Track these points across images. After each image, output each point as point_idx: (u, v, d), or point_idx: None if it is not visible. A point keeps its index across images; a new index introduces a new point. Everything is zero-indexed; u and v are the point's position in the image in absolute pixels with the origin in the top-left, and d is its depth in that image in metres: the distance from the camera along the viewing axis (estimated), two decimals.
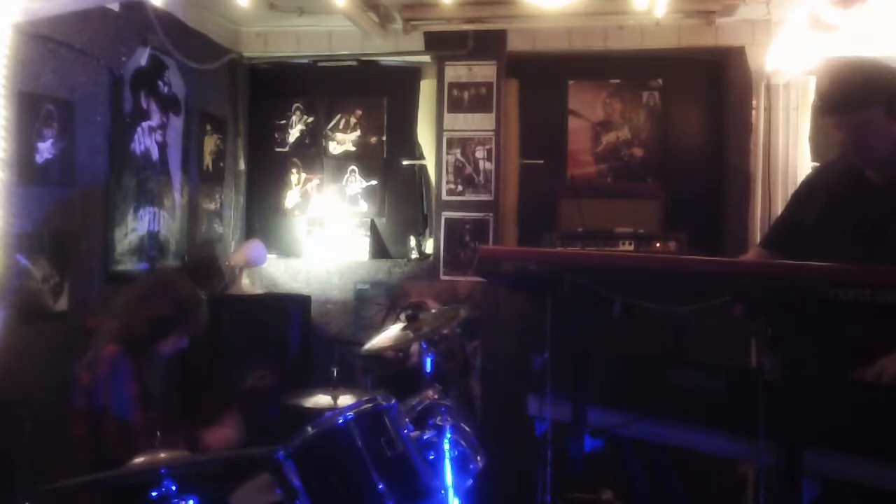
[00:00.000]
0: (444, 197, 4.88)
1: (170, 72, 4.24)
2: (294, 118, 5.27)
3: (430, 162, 5.04)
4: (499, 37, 4.81)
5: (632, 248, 4.27)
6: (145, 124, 4.05)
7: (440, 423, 2.42)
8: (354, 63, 5.16)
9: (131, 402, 2.66)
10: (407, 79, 5.16)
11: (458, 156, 4.86)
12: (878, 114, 2.30)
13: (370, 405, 2.14)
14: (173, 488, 1.95)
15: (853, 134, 2.34)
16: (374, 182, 5.19)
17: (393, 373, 4.49)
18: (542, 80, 5.04)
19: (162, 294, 2.84)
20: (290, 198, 5.27)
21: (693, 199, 4.84)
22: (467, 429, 2.58)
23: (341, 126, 5.23)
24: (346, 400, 3.31)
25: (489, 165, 4.82)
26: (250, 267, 4.87)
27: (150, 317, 2.77)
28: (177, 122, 4.34)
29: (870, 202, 2.39)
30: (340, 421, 2.07)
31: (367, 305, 4.93)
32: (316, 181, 5.24)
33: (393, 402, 2.20)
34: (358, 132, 5.22)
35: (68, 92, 3.44)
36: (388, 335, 3.29)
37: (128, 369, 2.69)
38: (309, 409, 3.33)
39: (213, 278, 4.77)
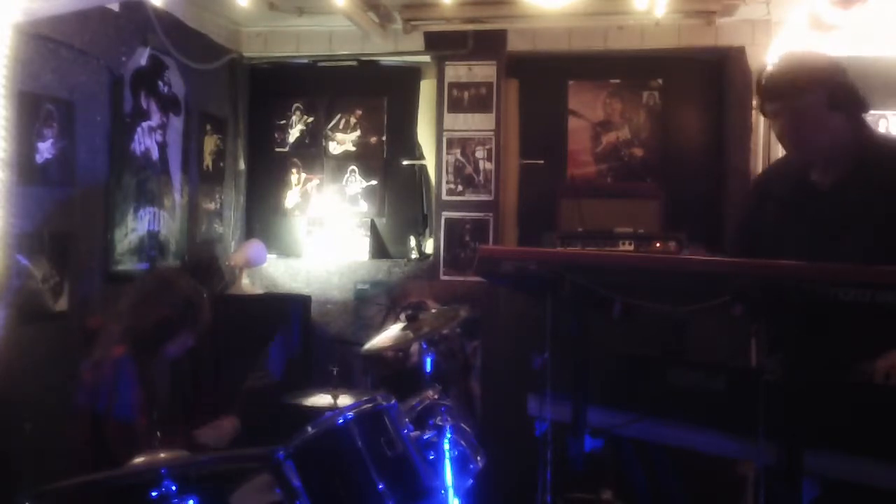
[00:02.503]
0: (444, 197, 4.88)
1: (170, 72, 4.24)
2: (294, 118, 5.27)
3: (430, 162, 5.04)
4: (499, 37, 4.81)
5: (632, 248, 4.26)
6: (145, 124, 4.05)
7: (440, 423, 2.42)
8: (354, 63, 5.15)
9: (135, 406, 2.66)
10: (407, 79, 5.16)
11: (458, 156, 4.86)
12: (817, 102, 2.30)
13: (370, 405, 2.14)
14: (173, 488, 1.94)
15: (791, 122, 2.34)
16: (374, 182, 5.19)
17: (393, 373, 4.49)
18: (542, 80, 5.03)
19: (167, 294, 2.83)
20: (290, 198, 5.27)
21: (693, 199, 4.84)
22: (467, 429, 2.58)
23: (341, 126, 5.23)
24: (346, 400, 3.31)
25: (489, 165, 4.82)
26: (250, 267, 4.87)
27: (156, 318, 2.76)
28: (177, 122, 4.34)
29: (819, 210, 2.36)
30: (340, 421, 2.06)
31: (367, 305, 4.93)
32: (316, 181, 5.24)
33: (393, 402, 2.19)
34: (358, 132, 5.22)
35: (68, 92, 3.44)
36: (388, 335, 3.29)
37: (133, 372, 2.69)
38: (309, 409, 3.34)
39: (213, 278, 4.77)
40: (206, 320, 2.92)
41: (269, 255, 4.99)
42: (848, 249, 2.23)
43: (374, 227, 5.17)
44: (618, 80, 4.98)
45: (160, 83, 4.17)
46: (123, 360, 2.68)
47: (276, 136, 5.28)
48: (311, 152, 5.25)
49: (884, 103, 4.24)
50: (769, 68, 2.39)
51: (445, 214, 4.88)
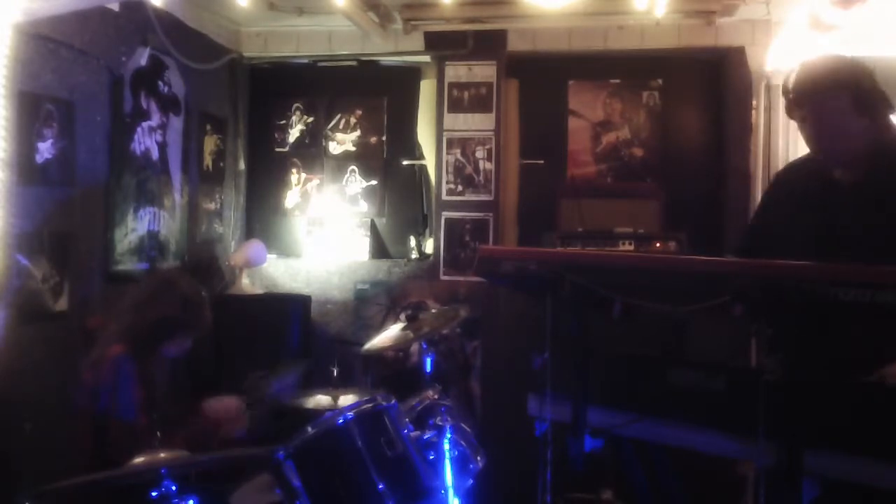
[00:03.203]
0: (444, 197, 4.88)
1: (170, 72, 4.24)
2: (294, 118, 5.27)
3: (430, 162, 5.04)
4: (499, 37, 4.81)
5: (632, 248, 4.26)
6: (145, 124, 4.05)
7: (440, 423, 2.42)
8: (354, 63, 5.16)
9: (134, 405, 2.66)
10: (407, 79, 5.16)
11: (458, 156, 4.86)
12: (844, 104, 2.31)
13: (370, 405, 2.14)
14: (173, 488, 1.94)
15: (817, 126, 2.35)
16: (374, 182, 5.19)
17: (393, 373, 4.49)
18: (542, 80, 5.04)
19: (167, 294, 2.84)
20: (290, 198, 5.27)
21: (693, 199, 4.84)
22: (467, 429, 2.58)
23: (341, 126, 5.23)
24: (346, 400, 3.31)
25: (489, 165, 4.82)
26: (250, 267, 4.87)
27: (155, 317, 2.77)
28: (177, 122, 4.34)
29: (837, 206, 2.37)
30: (340, 421, 2.06)
31: (367, 305, 4.93)
32: (316, 181, 5.24)
33: (393, 402, 2.19)
34: (358, 132, 5.22)
35: (68, 92, 3.44)
36: (388, 335, 3.29)
37: (132, 371, 2.69)
38: (309, 409, 3.33)
39: (213, 278, 4.78)
40: (206, 321, 2.93)
41: (269, 255, 4.99)
42: (863, 246, 2.24)
43: (374, 227, 5.17)
44: (618, 80, 4.98)
45: (160, 83, 4.17)
46: (122, 360, 2.68)
47: (276, 136, 5.28)
48: (311, 152, 5.25)
49: None
50: (794, 72, 2.39)
51: (445, 214, 4.88)
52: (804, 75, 2.36)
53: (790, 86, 2.39)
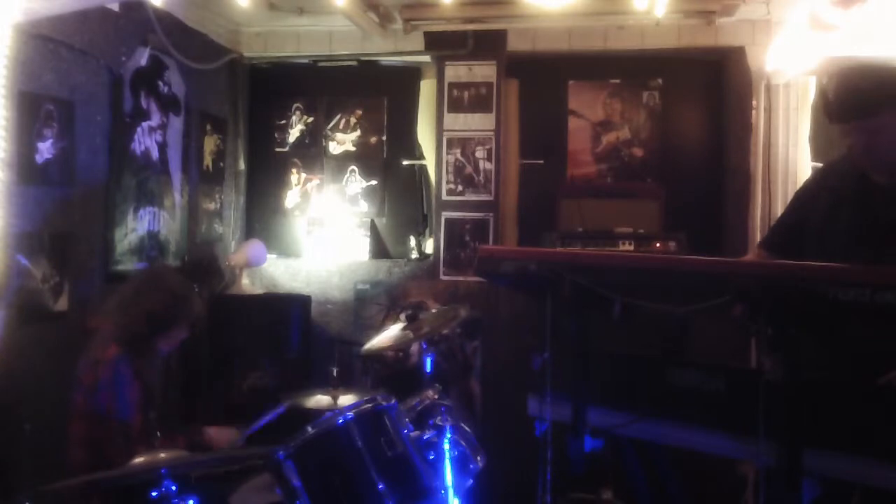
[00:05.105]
0: (444, 197, 4.88)
1: (170, 72, 4.24)
2: (294, 118, 5.27)
3: (430, 162, 5.03)
4: (499, 37, 4.81)
5: (632, 248, 4.27)
6: (145, 124, 4.05)
7: (440, 423, 2.43)
8: (354, 63, 5.16)
9: (133, 405, 2.67)
10: (407, 79, 5.16)
11: (458, 156, 4.86)
12: (891, 120, 2.28)
13: (370, 405, 2.14)
14: (173, 488, 1.95)
15: (866, 139, 2.32)
16: (374, 182, 5.19)
17: (393, 373, 4.48)
18: (542, 80, 5.03)
19: (154, 289, 2.85)
20: (290, 198, 5.28)
21: (693, 199, 4.84)
22: (467, 429, 2.58)
23: (341, 126, 5.23)
24: (346, 400, 3.30)
25: (489, 165, 4.82)
26: (250, 267, 4.87)
27: (145, 313, 2.78)
28: (177, 122, 4.34)
29: (877, 204, 2.37)
30: (340, 421, 2.07)
31: (367, 305, 4.93)
32: (316, 181, 5.24)
33: (393, 402, 2.20)
34: (358, 132, 5.22)
35: (68, 92, 3.44)
36: (388, 335, 3.29)
37: (129, 371, 2.70)
38: (309, 409, 3.33)
39: (213, 278, 4.78)
40: (196, 311, 2.94)
41: (269, 255, 4.99)
42: (892, 251, 2.23)
43: (374, 227, 5.17)
44: (618, 80, 4.98)
45: (160, 83, 4.17)
46: (119, 359, 2.69)
47: (276, 136, 5.28)
48: (311, 152, 5.25)
49: None
50: (836, 81, 2.33)
51: (445, 214, 4.88)
52: (850, 89, 2.31)
53: (833, 97, 2.33)
